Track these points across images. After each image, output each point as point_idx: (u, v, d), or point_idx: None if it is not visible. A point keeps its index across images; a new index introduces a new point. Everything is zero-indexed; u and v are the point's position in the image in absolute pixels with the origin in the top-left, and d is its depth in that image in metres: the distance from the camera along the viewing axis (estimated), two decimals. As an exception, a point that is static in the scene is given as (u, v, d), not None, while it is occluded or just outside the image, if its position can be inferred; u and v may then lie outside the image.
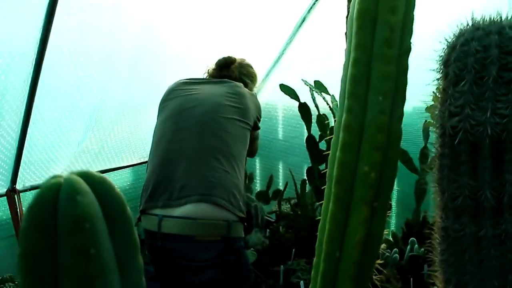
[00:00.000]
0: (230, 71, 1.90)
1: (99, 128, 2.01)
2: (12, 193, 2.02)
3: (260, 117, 1.88)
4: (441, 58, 0.79)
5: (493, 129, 0.66)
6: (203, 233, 1.48)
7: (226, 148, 1.58)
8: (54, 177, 0.43)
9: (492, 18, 0.73)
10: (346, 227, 0.77)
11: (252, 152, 2.01)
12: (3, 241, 2.04)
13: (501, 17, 0.72)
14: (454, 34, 0.76)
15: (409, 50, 0.74)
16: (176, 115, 1.67)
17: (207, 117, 1.62)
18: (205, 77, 1.95)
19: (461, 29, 0.75)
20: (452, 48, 0.77)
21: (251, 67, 2.00)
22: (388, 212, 0.81)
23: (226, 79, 1.82)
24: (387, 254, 1.84)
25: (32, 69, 1.60)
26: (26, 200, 2.12)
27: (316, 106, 2.11)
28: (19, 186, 2.05)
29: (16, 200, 2.04)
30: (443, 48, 0.78)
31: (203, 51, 2.04)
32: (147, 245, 1.61)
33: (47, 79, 1.67)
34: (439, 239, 0.84)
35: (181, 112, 1.67)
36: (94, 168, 2.26)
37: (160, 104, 1.78)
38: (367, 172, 0.73)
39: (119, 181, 2.52)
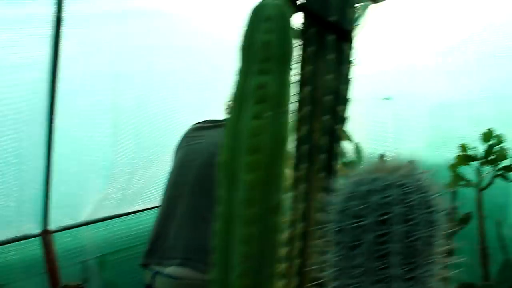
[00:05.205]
0: None
1: (118, 178, 2.13)
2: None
3: None
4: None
5: None
6: None
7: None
8: None
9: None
10: None
11: None
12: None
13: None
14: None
15: (276, 207, 0.69)
16: (178, 168, 1.72)
17: (201, 172, 1.64)
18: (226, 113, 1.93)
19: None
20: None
21: None
22: None
23: None
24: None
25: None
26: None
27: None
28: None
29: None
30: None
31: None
32: None
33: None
34: None
35: (182, 166, 1.71)
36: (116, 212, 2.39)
37: (174, 150, 1.82)
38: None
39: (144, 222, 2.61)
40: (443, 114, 2.00)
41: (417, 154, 1.91)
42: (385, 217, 0.61)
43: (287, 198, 0.73)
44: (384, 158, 0.68)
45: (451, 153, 1.81)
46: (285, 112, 0.66)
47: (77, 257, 2.42)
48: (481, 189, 1.72)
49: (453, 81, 1.90)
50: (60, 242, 2.33)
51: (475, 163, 1.74)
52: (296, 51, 0.78)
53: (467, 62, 1.85)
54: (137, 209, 2.48)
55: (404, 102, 2.09)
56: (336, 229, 0.66)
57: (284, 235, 0.94)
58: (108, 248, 2.50)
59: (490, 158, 1.69)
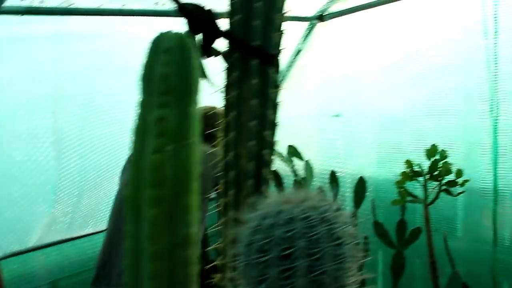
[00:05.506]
0: None
1: (65, 201, 2.06)
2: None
3: None
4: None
5: None
6: None
7: None
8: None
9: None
10: None
11: None
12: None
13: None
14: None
15: (185, 240, 0.67)
16: (123, 192, 1.66)
17: None
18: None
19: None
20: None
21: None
22: None
23: None
24: None
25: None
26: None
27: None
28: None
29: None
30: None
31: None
32: None
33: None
34: None
35: None
36: (68, 235, 2.32)
37: (120, 173, 1.78)
38: None
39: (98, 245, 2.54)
40: (390, 129, 2.03)
41: (366, 170, 1.94)
42: (288, 251, 0.60)
43: (197, 230, 0.72)
44: (296, 189, 0.67)
45: (400, 168, 1.83)
46: (189, 145, 0.65)
47: (28, 284, 2.32)
48: (427, 204, 1.74)
49: (398, 97, 1.93)
50: (8, 269, 2.23)
51: (421, 178, 1.76)
52: (200, 80, 0.76)
53: (410, 77, 1.89)
54: (90, 232, 2.41)
55: (353, 118, 2.12)
56: (244, 262, 0.65)
57: (213, 263, 0.92)
58: (61, 273, 2.41)
59: (434, 173, 1.71)
